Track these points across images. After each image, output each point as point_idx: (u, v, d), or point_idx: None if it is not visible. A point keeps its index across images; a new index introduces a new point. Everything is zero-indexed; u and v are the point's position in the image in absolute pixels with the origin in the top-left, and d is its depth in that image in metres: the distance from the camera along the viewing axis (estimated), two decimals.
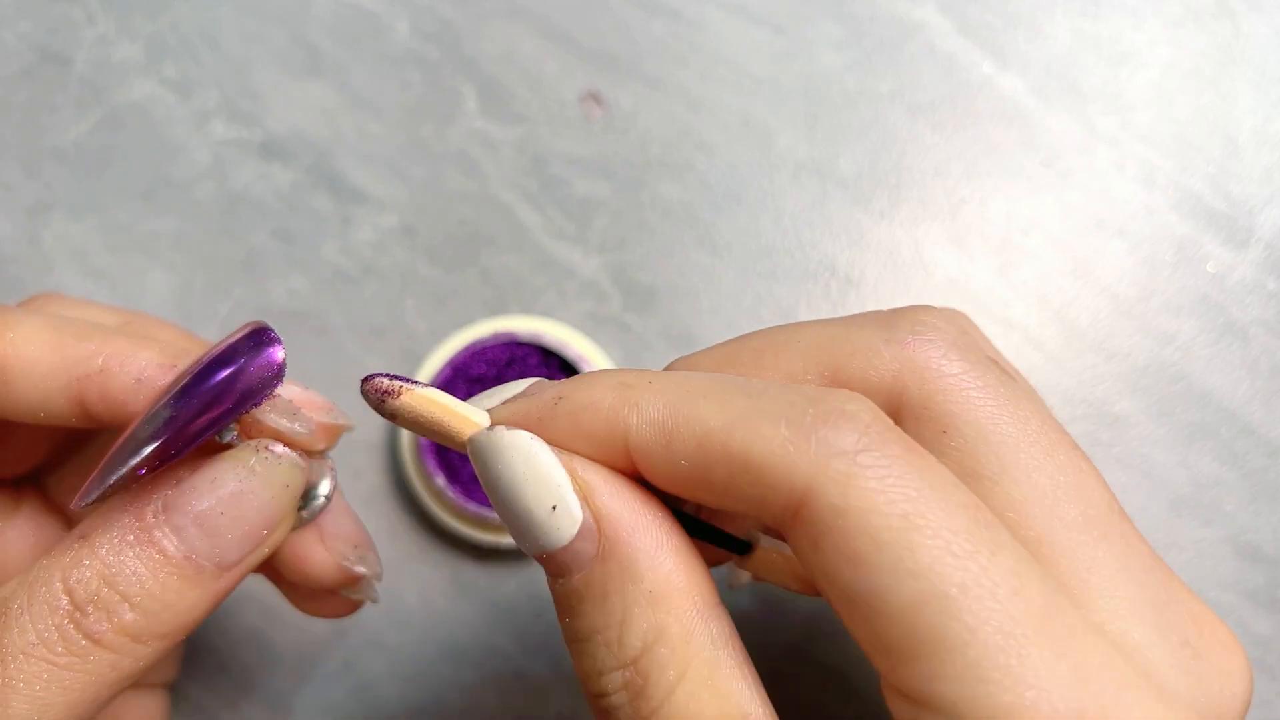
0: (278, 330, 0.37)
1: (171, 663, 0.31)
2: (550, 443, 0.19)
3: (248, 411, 0.21)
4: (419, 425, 0.20)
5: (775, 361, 0.21)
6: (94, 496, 0.20)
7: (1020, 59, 0.39)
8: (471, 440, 0.19)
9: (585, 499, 0.18)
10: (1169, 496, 0.35)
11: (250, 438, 0.22)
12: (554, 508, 0.18)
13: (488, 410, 0.20)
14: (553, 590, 0.19)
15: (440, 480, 0.33)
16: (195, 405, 0.20)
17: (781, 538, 0.20)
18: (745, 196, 0.38)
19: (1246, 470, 0.35)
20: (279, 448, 0.22)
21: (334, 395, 0.36)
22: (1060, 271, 0.37)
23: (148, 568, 0.21)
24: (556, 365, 0.35)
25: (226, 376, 0.21)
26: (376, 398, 0.20)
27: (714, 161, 0.38)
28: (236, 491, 0.21)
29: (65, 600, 0.20)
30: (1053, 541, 0.18)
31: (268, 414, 0.22)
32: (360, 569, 0.24)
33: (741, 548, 0.22)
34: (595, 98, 0.39)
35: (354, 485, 0.36)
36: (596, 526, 0.18)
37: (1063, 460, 0.19)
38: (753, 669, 0.19)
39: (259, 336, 0.21)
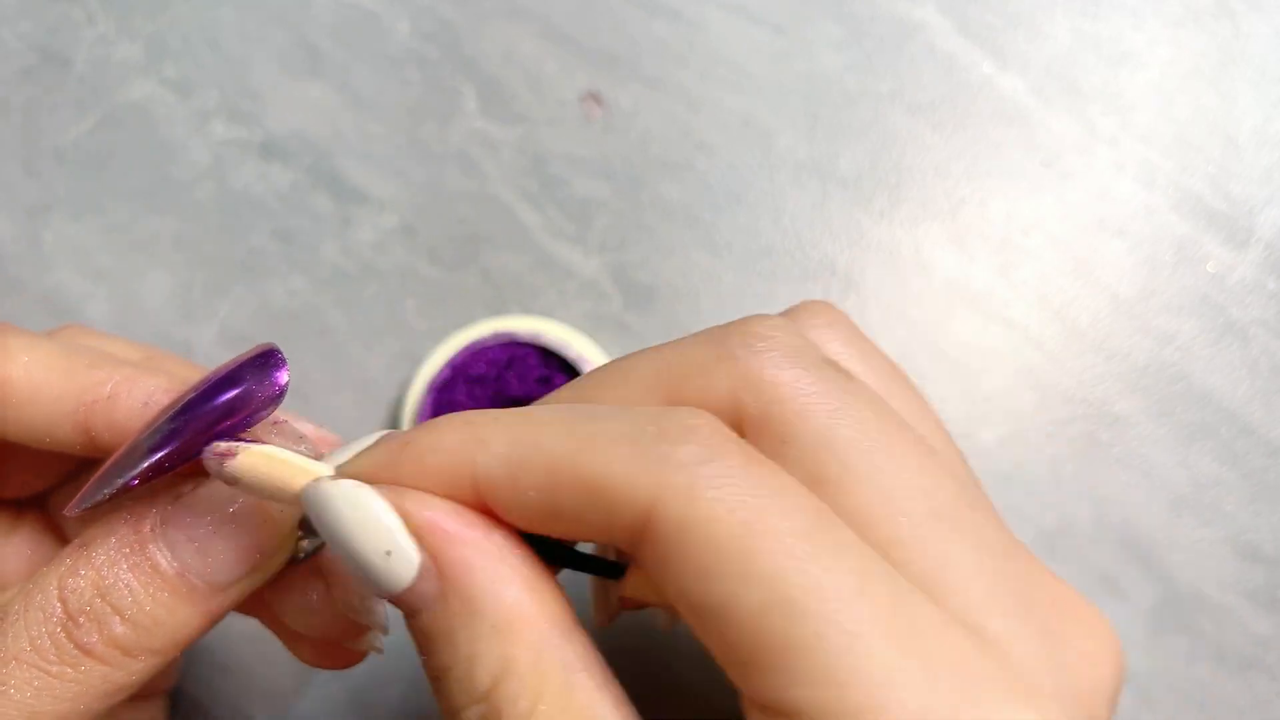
0: (278, 331, 0.37)
1: (169, 671, 0.31)
2: (403, 482, 0.19)
3: (244, 430, 0.21)
4: (261, 485, 0.20)
5: (615, 394, 0.21)
6: (87, 505, 0.20)
7: (1020, 59, 0.39)
8: (302, 492, 0.19)
9: (420, 539, 0.18)
10: (1169, 496, 0.35)
11: None
12: (388, 553, 0.18)
13: (335, 464, 0.20)
14: (409, 628, 0.19)
15: None
16: (195, 421, 0.20)
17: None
18: (745, 196, 0.38)
19: (1246, 470, 0.35)
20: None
21: (333, 396, 0.36)
22: (1060, 271, 0.37)
23: (140, 581, 0.21)
24: (556, 365, 0.35)
25: (230, 397, 0.20)
26: (216, 463, 0.20)
27: (714, 161, 0.38)
28: (230, 511, 0.21)
29: (59, 608, 0.20)
30: (901, 541, 0.18)
31: (271, 437, 0.21)
32: (365, 620, 0.24)
33: (614, 571, 0.22)
34: (595, 98, 0.39)
35: None
36: (434, 566, 0.18)
37: (905, 457, 0.19)
38: (618, 689, 0.18)
39: (266, 358, 0.21)
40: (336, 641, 0.24)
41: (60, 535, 0.27)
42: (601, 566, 0.22)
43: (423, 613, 0.18)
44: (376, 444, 0.20)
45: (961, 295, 0.37)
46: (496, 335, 0.35)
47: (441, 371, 0.34)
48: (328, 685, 0.34)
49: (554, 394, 0.22)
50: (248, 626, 0.35)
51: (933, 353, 0.37)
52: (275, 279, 0.37)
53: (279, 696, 0.34)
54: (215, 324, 0.37)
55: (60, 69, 0.39)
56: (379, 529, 0.18)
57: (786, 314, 0.22)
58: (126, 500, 0.21)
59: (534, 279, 0.37)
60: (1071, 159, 0.38)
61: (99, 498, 0.20)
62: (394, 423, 0.36)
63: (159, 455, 0.20)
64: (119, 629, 0.20)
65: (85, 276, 0.37)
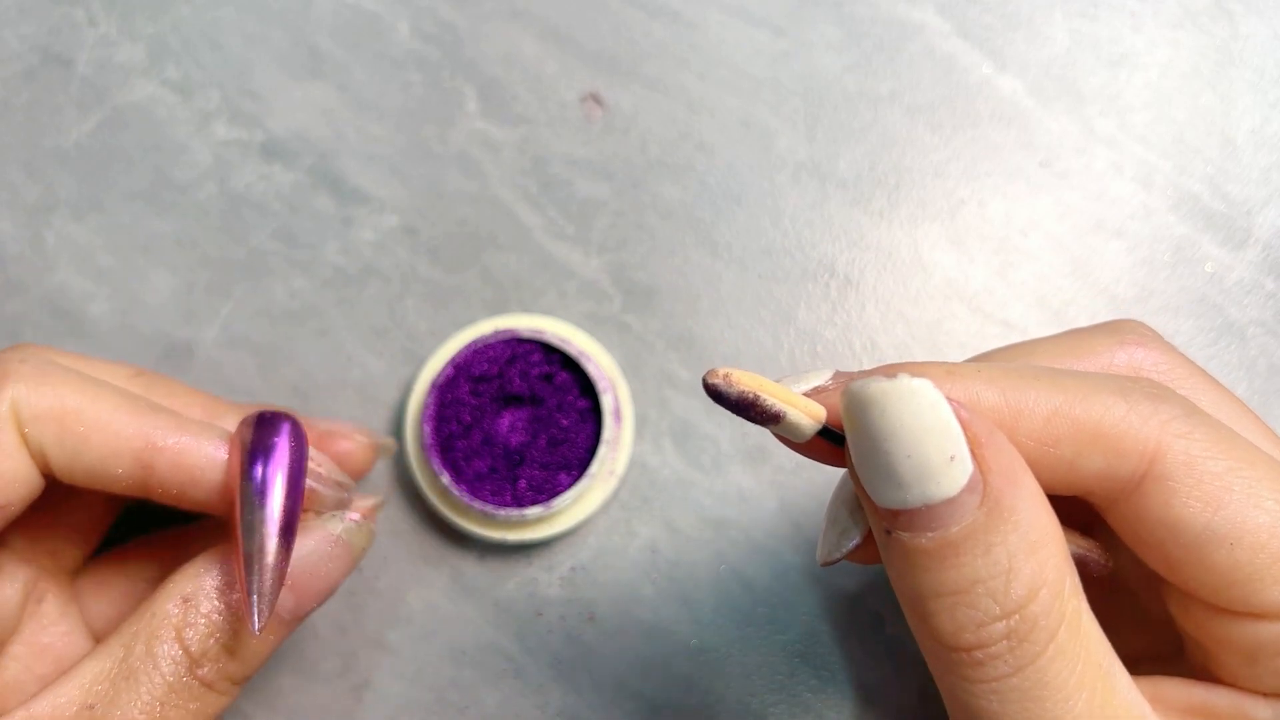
0: (279, 331, 0.37)
1: None
2: None
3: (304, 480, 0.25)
4: (770, 403, 0.20)
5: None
6: (265, 617, 0.23)
7: (1019, 60, 0.39)
8: (868, 387, 0.18)
9: (973, 450, 0.19)
10: None
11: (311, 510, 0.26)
12: (952, 458, 0.18)
13: (800, 390, 0.21)
14: (905, 547, 0.19)
15: (446, 479, 0.33)
16: (294, 493, 0.24)
17: (1091, 517, 0.23)
18: (745, 197, 0.38)
19: None
20: (355, 515, 0.26)
21: (334, 394, 0.36)
22: (1059, 272, 0.37)
23: (238, 624, 0.24)
24: (559, 361, 0.35)
25: (291, 466, 0.24)
26: (727, 385, 0.20)
27: (714, 162, 0.38)
28: (326, 556, 0.25)
29: (183, 655, 0.23)
30: None
31: (319, 488, 0.25)
32: (386, 439, 0.32)
33: None
34: (596, 99, 0.39)
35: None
36: (983, 477, 0.19)
37: (1264, 436, 0.23)
38: None
39: (269, 421, 0.25)
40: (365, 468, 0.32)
41: (77, 610, 0.29)
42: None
43: (951, 525, 0.19)
44: (842, 380, 0.21)
45: (960, 295, 0.37)
46: (498, 332, 0.35)
47: (444, 370, 0.34)
48: (328, 684, 0.34)
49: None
50: None
51: (931, 353, 0.37)
52: (276, 279, 0.37)
53: (279, 695, 0.34)
54: (217, 324, 0.37)
55: (62, 70, 0.40)
56: (949, 432, 0.18)
57: (1104, 329, 0.25)
58: (211, 542, 0.25)
59: (534, 279, 0.37)
60: (1070, 160, 0.38)
61: (270, 601, 0.23)
62: (398, 423, 0.36)
63: (285, 539, 0.23)
64: (232, 665, 0.24)
65: (87, 277, 0.38)
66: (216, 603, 0.24)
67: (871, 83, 0.39)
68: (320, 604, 0.26)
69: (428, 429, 0.34)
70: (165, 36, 0.40)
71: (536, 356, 0.35)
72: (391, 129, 0.39)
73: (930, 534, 0.19)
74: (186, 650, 0.23)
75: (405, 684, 0.34)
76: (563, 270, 0.37)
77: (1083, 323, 0.37)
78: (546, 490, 0.34)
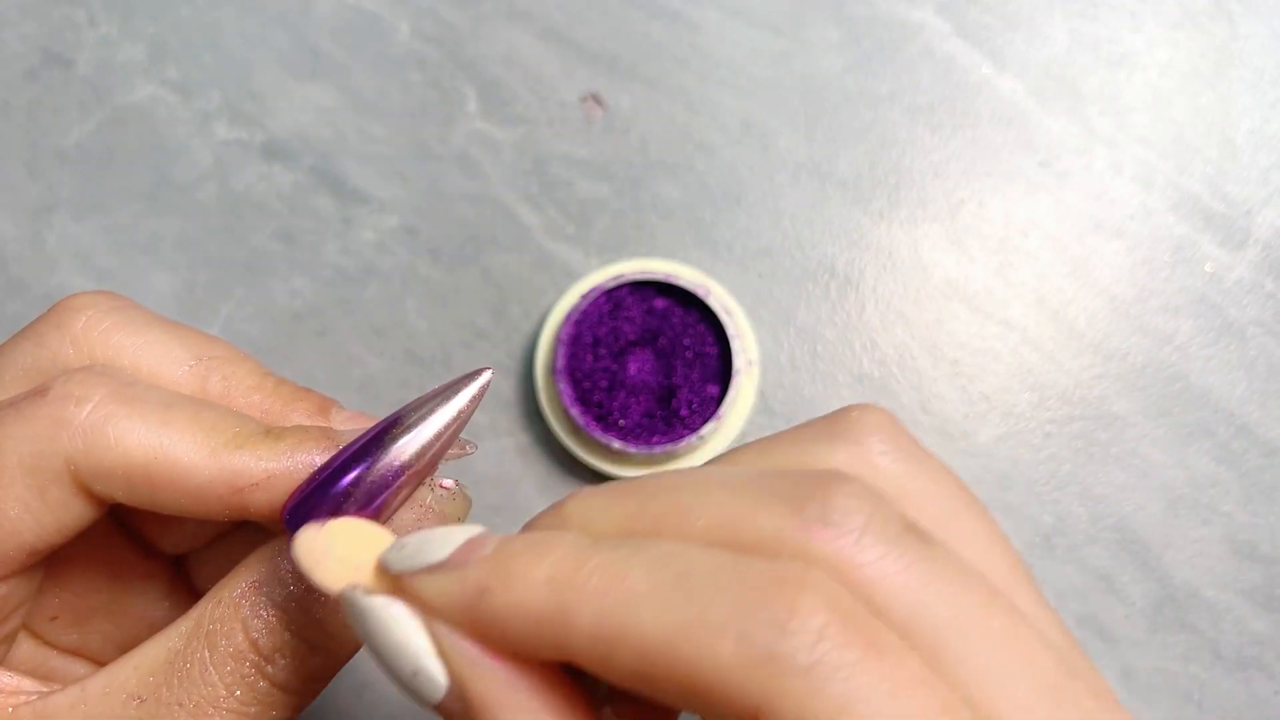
0: (280, 331, 0.37)
1: None
2: (479, 639, 0.18)
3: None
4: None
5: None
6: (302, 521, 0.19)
7: (1019, 60, 0.39)
8: (341, 596, 0.19)
9: (447, 663, 0.18)
10: (1167, 496, 0.35)
11: None
12: (415, 673, 0.18)
13: (416, 569, 0.19)
14: None
15: (618, 445, 0.34)
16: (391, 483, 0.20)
17: None
18: (745, 197, 0.38)
19: (1243, 470, 0.36)
20: (450, 482, 0.22)
21: (335, 394, 0.36)
22: (1058, 272, 0.37)
23: (324, 611, 0.21)
24: (648, 295, 0.36)
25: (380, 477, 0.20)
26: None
27: (714, 162, 0.38)
28: (413, 529, 0.21)
29: (251, 652, 0.20)
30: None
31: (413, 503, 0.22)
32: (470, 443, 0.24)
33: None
34: (596, 99, 0.39)
35: None
36: (461, 689, 0.18)
37: (999, 628, 0.18)
38: None
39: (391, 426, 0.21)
40: None
41: (190, 587, 0.27)
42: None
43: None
44: (454, 562, 0.19)
45: (960, 295, 0.37)
46: (584, 297, 0.35)
47: (558, 370, 0.35)
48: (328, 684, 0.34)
49: (617, 496, 0.20)
50: None
51: (931, 353, 0.37)
52: (277, 279, 0.37)
53: None
54: (217, 324, 0.37)
55: (63, 71, 0.40)
56: (406, 650, 0.18)
57: (834, 423, 0.21)
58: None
59: (534, 279, 0.37)
60: (1069, 160, 0.38)
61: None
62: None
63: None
64: (312, 661, 0.21)
65: (88, 277, 0.38)
66: (291, 588, 0.20)
67: (871, 83, 0.39)
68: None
69: (576, 411, 0.34)
70: (166, 37, 0.40)
71: (629, 299, 0.36)
72: (392, 129, 0.39)
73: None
74: (254, 644, 0.20)
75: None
76: (563, 270, 0.37)
77: (1082, 324, 0.37)
78: (708, 403, 0.35)
